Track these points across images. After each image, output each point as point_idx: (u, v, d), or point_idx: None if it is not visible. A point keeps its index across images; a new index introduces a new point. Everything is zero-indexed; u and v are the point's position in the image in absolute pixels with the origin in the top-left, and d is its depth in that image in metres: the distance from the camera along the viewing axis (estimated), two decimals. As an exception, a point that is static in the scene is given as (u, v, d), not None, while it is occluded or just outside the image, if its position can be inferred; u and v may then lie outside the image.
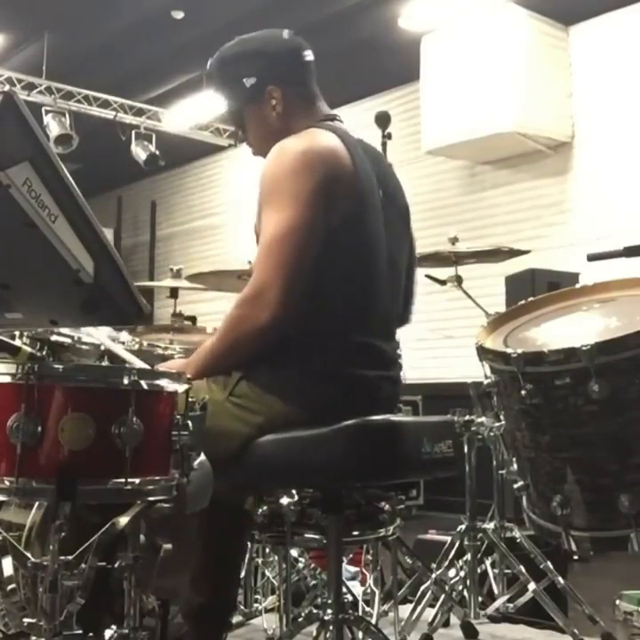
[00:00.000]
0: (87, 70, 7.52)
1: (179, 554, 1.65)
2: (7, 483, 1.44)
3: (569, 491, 1.77)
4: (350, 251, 1.96)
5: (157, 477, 1.54)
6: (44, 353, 1.56)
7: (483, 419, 2.98)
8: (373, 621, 2.70)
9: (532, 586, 2.87)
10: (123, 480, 1.47)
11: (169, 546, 1.57)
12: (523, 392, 1.76)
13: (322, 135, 2.02)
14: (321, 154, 1.97)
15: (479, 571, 3.11)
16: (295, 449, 1.91)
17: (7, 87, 1.26)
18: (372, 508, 2.13)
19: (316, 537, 2.08)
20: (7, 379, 1.47)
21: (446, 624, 2.98)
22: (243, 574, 2.89)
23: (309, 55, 2.16)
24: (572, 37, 6.37)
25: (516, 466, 1.94)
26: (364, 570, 3.12)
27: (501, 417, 1.98)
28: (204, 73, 2.27)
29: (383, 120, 3.01)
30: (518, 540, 3.04)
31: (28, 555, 1.52)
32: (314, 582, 2.94)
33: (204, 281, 3.52)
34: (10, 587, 1.59)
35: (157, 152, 8.12)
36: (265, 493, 2.07)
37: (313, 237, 1.93)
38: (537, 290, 4.17)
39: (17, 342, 1.52)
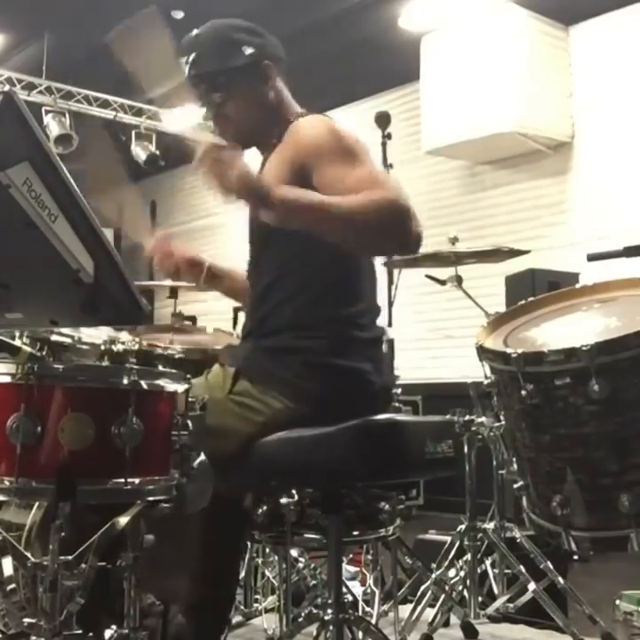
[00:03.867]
0: (87, 70, 7.51)
1: (179, 553, 1.65)
2: (7, 483, 1.44)
3: (569, 491, 1.77)
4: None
5: (157, 477, 1.54)
6: (43, 353, 1.56)
7: (483, 419, 2.98)
8: (373, 621, 2.69)
9: (532, 586, 2.87)
10: (122, 480, 1.48)
11: (151, 537, 1.55)
12: (523, 392, 1.76)
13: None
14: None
15: (479, 571, 3.10)
16: (300, 449, 1.90)
17: (7, 87, 1.26)
18: (371, 508, 2.13)
19: (316, 537, 2.08)
20: (7, 379, 1.47)
21: (446, 624, 2.98)
22: (243, 574, 2.90)
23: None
24: (572, 37, 6.36)
25: (515, 466, 1.94)
26: (363, 570, 3.12)
27: (501, 417, 1.99)
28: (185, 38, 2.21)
29: (383, 120, 3.02)
30: (518, 540, 3.03)
31: (28, 555, 1.52)
32: (314, 582, 2.94)
33: (204, 281, 3.51)
34: (10, 587, 1.59)
35: (157, 152, 8.12)
36: (266, 493, 2.07)
37: None
38: (537, 290, 4.17)
39: (17, 342, 1.52)
